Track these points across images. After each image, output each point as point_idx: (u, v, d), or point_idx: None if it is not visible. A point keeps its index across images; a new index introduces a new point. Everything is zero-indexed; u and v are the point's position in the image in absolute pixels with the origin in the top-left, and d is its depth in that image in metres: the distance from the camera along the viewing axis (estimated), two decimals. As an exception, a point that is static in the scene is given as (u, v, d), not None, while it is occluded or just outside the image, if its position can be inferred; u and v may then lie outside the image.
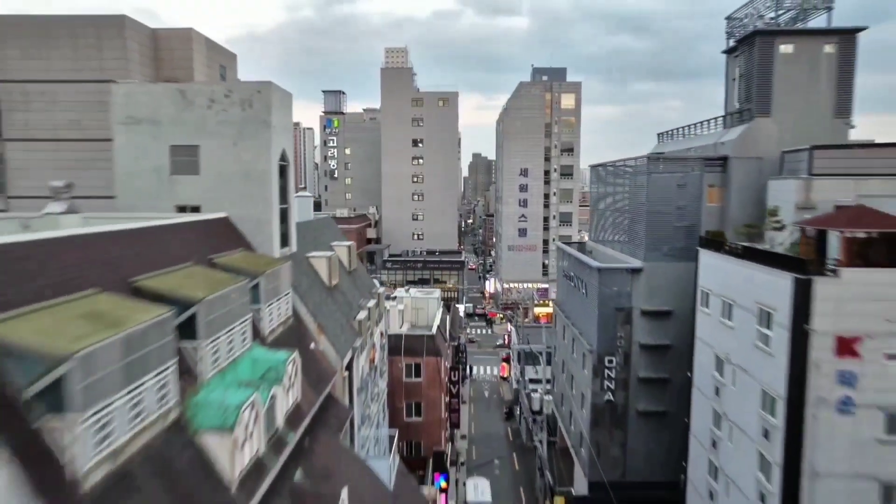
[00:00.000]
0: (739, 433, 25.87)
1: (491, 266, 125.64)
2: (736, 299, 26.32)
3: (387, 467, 20.88)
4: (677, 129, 47.45)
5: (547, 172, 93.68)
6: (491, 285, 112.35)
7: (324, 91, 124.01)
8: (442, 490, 37.71)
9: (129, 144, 20.75)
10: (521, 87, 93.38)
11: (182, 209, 20.53)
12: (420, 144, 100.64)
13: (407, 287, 53.58)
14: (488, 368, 72.73)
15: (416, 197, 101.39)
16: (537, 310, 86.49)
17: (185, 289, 12.47)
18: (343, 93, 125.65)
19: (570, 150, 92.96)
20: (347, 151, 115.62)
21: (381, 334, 30.97)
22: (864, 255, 21.94)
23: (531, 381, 55.81)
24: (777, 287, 22.52)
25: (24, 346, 8.16)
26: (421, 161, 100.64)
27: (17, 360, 8.13)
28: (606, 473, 36.58)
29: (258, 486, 12.11)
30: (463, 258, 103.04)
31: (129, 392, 9.25)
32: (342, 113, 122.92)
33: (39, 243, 10.95)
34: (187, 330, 12.02)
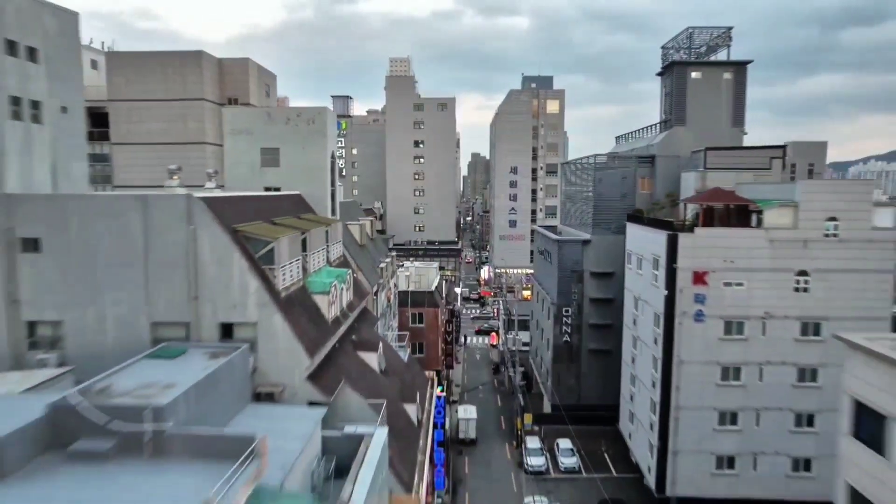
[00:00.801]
0: (643, 345, 37.22)
1: (486, 258, 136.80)
2: (643, 254, 37.63)
3: (404, 353, 32.04)
4: (630, 132, 58.77)
5: (534, 170, 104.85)
6: (485, 272, 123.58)
7: (332, 96, 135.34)
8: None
9: (234, 147, 32.11)
10: (512, 93, 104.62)
11: (268, 189, 31.82)
12: (421, 145, 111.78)
13: (412, 260, 64.90)
14: (481, 339, 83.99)
15: (417, 193, 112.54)
16: (525, 293, 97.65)
17: (298, 224, 23.84)
18: (350, 98, 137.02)
19: (554, 149, 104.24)
20: (354, 151, 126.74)
21: (395, 286, 42.31)
22: (712, 219, 33.26)
23: (522, 347, 66.98)
24: (659, 241, 33.82)
25: (256, 235, 19.56)
26: (422, 160, 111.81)
27: (254, 241, 19.52)
28: (564, 398, 47.92)
29: (339, 327, 23.46)
30: (460, 247, 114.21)
31: (290, 262, 20.68)
32: (349, 116, 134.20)
33: (233, 199, 22.29)
34: (304, 244, 23.36)
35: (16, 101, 23.24)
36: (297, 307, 20.76)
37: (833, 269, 31.87)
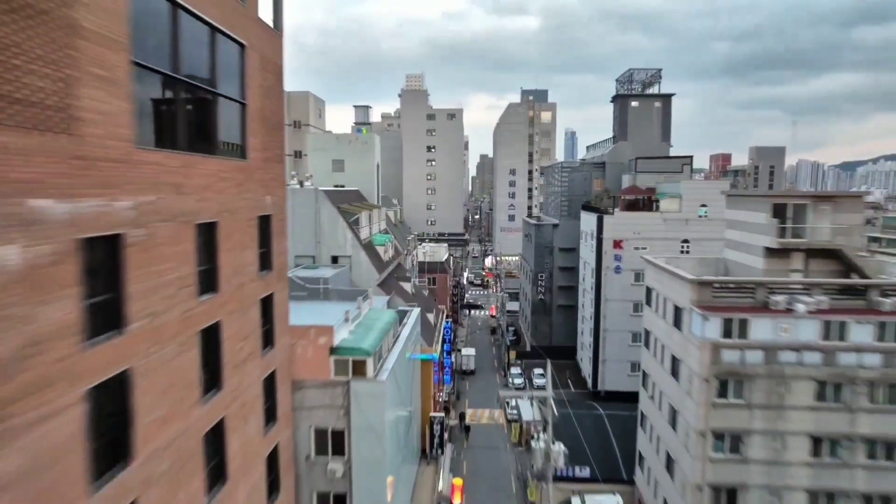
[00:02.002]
0: (587, 293, 54.28)
1: (490, 249, 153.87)
2: (587, 231, 54.66)
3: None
4: (598, 142, 75.67)
5: (530, 172, 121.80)
6: (489, 261, 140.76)
7: (354, 106, 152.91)
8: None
9: (314, 158, 49.58)
10: (511, 106, 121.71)
11: (336, 186, 49.27)
12: (433, 150, 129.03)
13: (427, 241, 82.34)
14: (482, 313, 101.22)
15: (429, 191, 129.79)
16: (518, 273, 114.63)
17: (364, 206, 41.38)
18: (370, 107, 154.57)
19: (547, 153, 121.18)
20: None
21: (415, 257, 59.68)
22: (627, 206, 50.28)
23: (508, 312, 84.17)
24: (593, 221, 50.83)
25: (349, 210, 37.10)
26: (434, 163, 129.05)
27: (348, 213, 37.03)
28: (540, 341, 64.97)
29: (389, 266, 40.87)
30: (466, 238, 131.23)
31: (365, 226, 38.25)
32: (369, 123, 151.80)
33: (330, 192, 39.76)
34: (369, 218, 40.76)
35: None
36: (370, 250, 38.10)
37: (703, 238, 48.71)
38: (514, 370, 61.81)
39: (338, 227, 36.51)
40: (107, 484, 9.34)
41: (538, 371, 61.44)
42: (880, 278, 27.51)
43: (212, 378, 13.53)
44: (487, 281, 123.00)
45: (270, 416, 18.18)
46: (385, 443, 22.75)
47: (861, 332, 24.15)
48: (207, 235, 13.20)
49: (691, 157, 57.69)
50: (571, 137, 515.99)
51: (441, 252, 70.75)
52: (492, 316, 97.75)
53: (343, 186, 48.95)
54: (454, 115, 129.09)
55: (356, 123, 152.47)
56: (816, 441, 24.63)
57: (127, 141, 9.68)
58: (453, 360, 59.06)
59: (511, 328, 75.36)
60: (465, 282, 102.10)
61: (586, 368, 56.04)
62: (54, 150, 8.02)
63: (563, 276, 64.56)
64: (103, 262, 9.35)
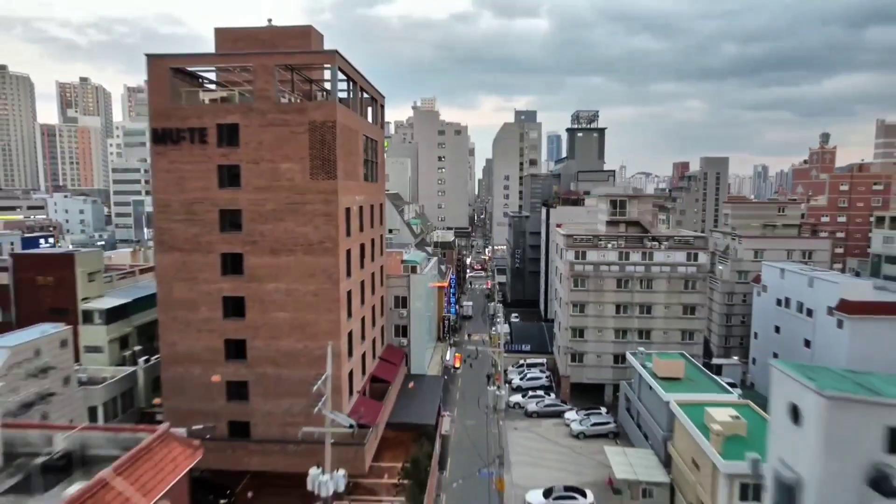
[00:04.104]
0: (541, 261, 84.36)
1: (490, 242, 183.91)
2: (542, 219, 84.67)
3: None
4: (561, 158, 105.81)
5: (521, 177, 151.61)
6: (488, 251, 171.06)
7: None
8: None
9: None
10: (505, 125, 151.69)
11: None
12: (443, 160, 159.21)
13: (437, 229, 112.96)
14: (480, 284, 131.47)
15: (440, 193, 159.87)
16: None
17: (406, 201, 72.15)
18: (389, 123, 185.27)
19: (535, 163, 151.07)
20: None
21: (432, 237, 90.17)
22: (564, 203, 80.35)
23: (499, 283, 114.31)
24: (545, 212, 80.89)
25: (397, 203, 67.84)
26: (443, 170, 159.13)
27: (398, 206, 67.73)
28: (516, 296, 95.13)
29: (418, 238, 71.42)
30: (470, 230, 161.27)
31: (410, 213, 68.97)
32: (389, 136, 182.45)
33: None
34: (407, 209, 71.30)
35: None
36: (409, 227, 68.42)
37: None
38: (498, 315, 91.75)
39: (394, 213, 66.76)
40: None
41: (514, 315, 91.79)
42: (654, 233, 57.41)
43: (362, 261, 44.13)
44: (488, 264, 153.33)
45: (379, 283, 48.70)
46: (420, 304, 53.30)
47: (635, 256, 54.06)
48: (373, 214, 43.78)
49: (614, 171, 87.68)
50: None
51: (449, 236, 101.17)
52: (487, 288, 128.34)
53: (388, 191, 79.22)
54: (460, 132, 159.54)
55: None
56: (617, 306, 54.53)
57: (357, 181, 40.28)
58: (458, 308, 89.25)
59: (500, 292, 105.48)
60: (468, 264, 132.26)
61: (542, 307, 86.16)
62: (361, 188, 38.58)
63: (531, 251, 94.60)
64: (369, 215, 40.02)
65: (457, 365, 67.14)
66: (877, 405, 14.84)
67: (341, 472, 25.07)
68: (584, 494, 37.33)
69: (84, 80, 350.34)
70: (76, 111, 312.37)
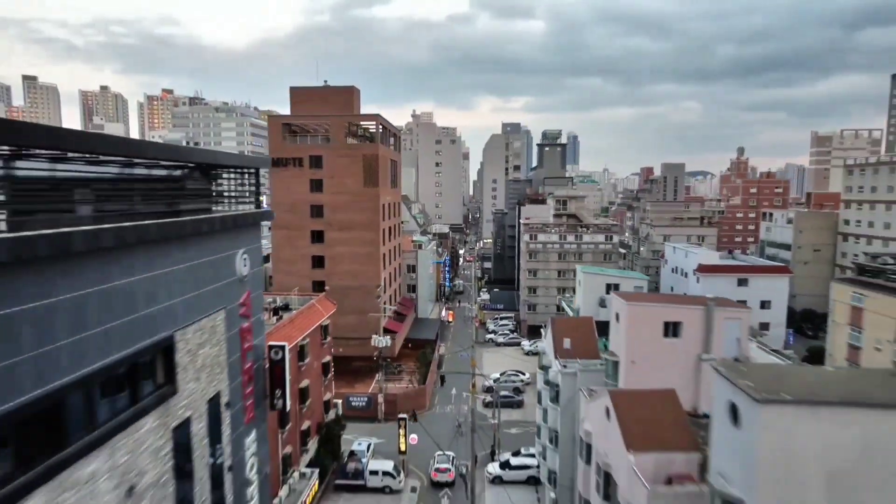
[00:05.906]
0: (517, 247, 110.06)
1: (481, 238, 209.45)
2: (523, 215, 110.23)
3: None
4: (534, 166, 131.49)
5: (507, 181, 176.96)
6: (479, 245, 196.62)
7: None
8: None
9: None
10: (493, 136, 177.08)
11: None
12: (440, 164, 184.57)
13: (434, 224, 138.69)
14: (470, 272, 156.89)
15: (437, 194, 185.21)
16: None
17: (413, 201, 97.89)
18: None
19: (518, 169, 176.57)
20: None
21: (431, 229, 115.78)
22: (531, 202, 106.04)
23: (486, 268, 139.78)
24: (517, 209, 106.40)
25: (407, 202, 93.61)
26: (440, 174, 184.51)
27: (406, 203, 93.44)
28: (498, 275, 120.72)
29: (421, 228, 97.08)
30: (463, 227, 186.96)
31: (417, 209, 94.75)
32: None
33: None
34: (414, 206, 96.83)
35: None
36: (414, 220, 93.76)
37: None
38: (483, 292, 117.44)
39: (405, 209, 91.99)
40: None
41: (495, 288, 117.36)
42: (586, 222, 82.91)
43: (390, 237, 69.69)
44: (477, 256, 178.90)
45: (398, 255, 74.20)
46: (425, 271, 79.00)
47: (570, 237, 79.62)
48: (394, 208, 69.31)
49: (572, 177, 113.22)
50: (573, 142, 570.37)
51: (445, 229, 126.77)
52: (475, 266, 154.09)
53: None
54: (454, 141, 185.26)
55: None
56: (558, 272, 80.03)
57: (387, 188, 65.85)
58: (452, 284, 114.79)
59: (486, 275, 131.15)
60: (461, 255, 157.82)
61: (516, 282, 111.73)
62: (389, 192, 64.13)
63: (510, 240, 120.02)
64: (393, 209, 65.64)
65: (450, 319, 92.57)
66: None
67: (388, 337, 50.86)
68: (523, 373, 62.82)
69: (104, 88, 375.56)
70: (101, 119, 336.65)
